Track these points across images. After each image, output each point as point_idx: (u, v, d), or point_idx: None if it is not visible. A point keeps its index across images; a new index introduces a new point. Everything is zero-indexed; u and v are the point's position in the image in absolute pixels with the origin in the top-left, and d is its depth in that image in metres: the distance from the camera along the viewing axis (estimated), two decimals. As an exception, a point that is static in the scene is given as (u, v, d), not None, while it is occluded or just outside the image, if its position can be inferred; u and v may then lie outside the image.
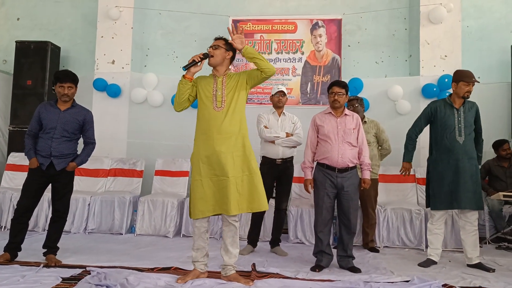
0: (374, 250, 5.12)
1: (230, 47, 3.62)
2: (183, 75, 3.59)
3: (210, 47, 3.63)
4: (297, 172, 5.76)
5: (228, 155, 3.45)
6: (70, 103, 4.30)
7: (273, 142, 4.85)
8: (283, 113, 5.04)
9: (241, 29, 3.58)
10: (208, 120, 3.53)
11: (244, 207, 3.44)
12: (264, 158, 4.94)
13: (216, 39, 3.69)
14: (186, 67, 3.55)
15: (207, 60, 3.64)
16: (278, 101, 4.98)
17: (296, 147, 4.97)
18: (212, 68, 3.68)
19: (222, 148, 3.45)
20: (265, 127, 4.90)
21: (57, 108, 4.25)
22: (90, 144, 4.43)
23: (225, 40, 3.66)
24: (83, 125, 4.34)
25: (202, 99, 3.60)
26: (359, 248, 5.14)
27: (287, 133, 4.89)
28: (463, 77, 4.46)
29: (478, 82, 4.54)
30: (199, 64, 3.59)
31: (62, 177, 4.23)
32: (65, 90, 4.19)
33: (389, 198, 5.96)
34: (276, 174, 4.89)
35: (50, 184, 4.28)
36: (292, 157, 4.97)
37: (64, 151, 4.19)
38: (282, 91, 4.97)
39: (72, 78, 4.25)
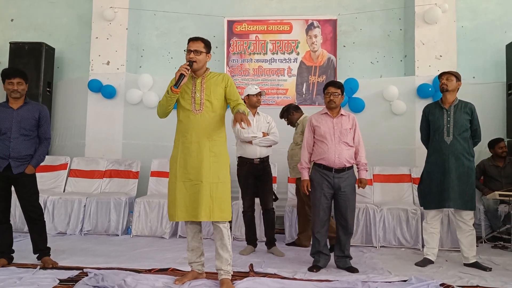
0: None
1: (208, 48, 3.54)
2: (172, 89, 3.39)
3: (190, 51, 3.46)
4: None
5: (204, 160, 3.40)
6: (23, 100, 4.18)
7: (250, 142, 4.85)
8: (257, 112, 5.05)
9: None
10: (187, 123, 3.48)
11: (215, 215, 3.36)
12: (241, 159, 4.94)
13: (192, 40, 3.52)
14: (178, 84, 3.36)
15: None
16: (257, 101, 4.99)
17: (271, 146, 5.00)
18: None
19: (198, 152, 3.41)
20: (242, 127, 4.87)
21: (9, 107, 4.13)
22: (45, 141, 4.25)
23: (203, 41, 3.53)
24: (39, 121, 4.19)
25: (180, 101, 3.54)
26: (356, 248, 5.14)
27: (263, 132, 4.91)
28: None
29: (451, 73, 4.51)
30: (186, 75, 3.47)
31: (23, 181, 4.11)
32: (14, 86, 4.08)
33: (385, 198, 5.98)
34: (256, 173, 4.91)
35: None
36: (268, 156, 4.99)
37: (22, 152, 4.07)
38: (262, 92, 5.01)
39: (20, 73, 4.14)
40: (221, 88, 3.53)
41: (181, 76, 3.36)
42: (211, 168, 3.41)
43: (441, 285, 3.61)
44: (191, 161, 3.43)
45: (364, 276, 3.92)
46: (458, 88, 4.53)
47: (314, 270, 4.11)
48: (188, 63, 3.43)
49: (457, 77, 4.49)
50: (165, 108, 3.54)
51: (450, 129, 4.41)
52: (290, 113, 5.39)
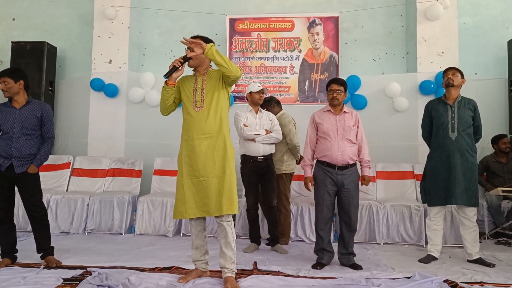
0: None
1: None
2: (166, 81, 3.50)
3: (188, 48, 3.51)
4: (297, 169, 5.77)
5: (208, 155, 3.42)
6: (25, 99, 4.17)
7: (253, 140, 4.84)
8: (260, 110, 5.04)
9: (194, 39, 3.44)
10: (189, 120, 3.51)
11: (224, 208, 3.37)
12: (245, 157, 4.93)
13: (191, 38, 3.55)
14: (168, 75, 3.46)
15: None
16: (259, 99, 4.97)
17: (274, 143, 5.00)
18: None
19: (202, 148, 3.43)
20: (244, 125, 4.88)
21: (12, 107, 4.13)
22: (48, 140, 4.22)
23: (202, 38, 3.53)
24: (41, 120, 4.17)
25: (183, 99, 3.58)
26: (359, 245, 5.14)
27: (266, 130, 4.91)
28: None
29: (456, 69, 4.54)
30: (179, 68, 3.50)
31: (26, 180, 4.09)
32: (1, 85, 4.07)
33: (388, 194, 5.98)
34: (259, 171, 4.90)
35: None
36: (271, 154, 4.98)
37: (25, 151, 4.06)
38: (263, 89, 5.00)
39: (7, 72, 4.11)
40: (218, 79, 3.52)
41: (173, 68, 3.45)
42: (216, 162, 3.42)
43: (444, 281, 3.60)
44: (195, 157, 3.44)
45: (368, 273, 3.92)
46: (461, 85, 4.54)
47: (318, 268, 4.12)
48: (183, 56, 3.49)
49: (462, 74, 4.51)
50: (163, 103, 3.59)
51: (455, 125, 4.40)
52: (271, 105, 5.37)
